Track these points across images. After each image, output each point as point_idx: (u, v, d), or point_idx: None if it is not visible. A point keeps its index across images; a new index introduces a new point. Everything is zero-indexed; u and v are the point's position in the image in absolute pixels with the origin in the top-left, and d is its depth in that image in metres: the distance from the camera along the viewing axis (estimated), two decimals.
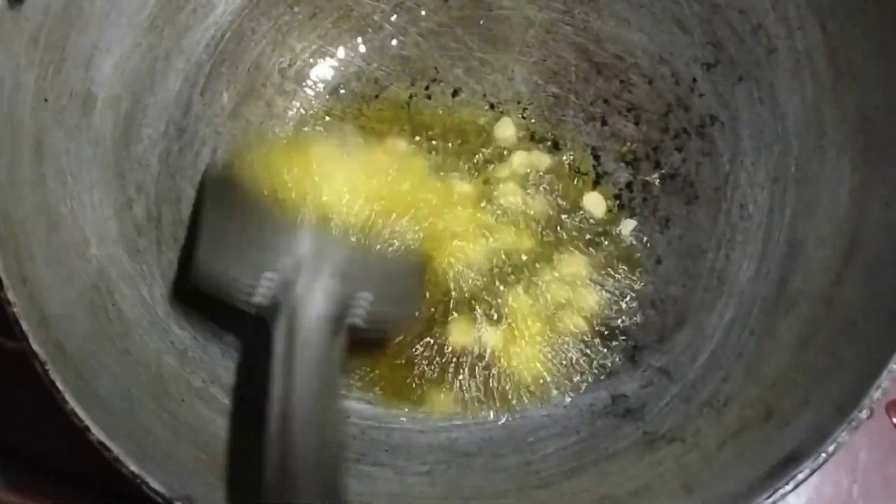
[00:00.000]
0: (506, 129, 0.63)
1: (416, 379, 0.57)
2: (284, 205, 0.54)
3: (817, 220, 0.53)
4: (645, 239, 0.60)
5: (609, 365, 0.57)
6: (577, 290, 0.59)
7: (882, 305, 0.47)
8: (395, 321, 0.57)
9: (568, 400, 0.56)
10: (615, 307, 0.59)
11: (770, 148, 0.56)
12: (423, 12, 0.64)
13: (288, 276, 0.52)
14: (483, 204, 0.61)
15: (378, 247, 0.55)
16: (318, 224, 0.54)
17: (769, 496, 0.43)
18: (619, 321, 0.58)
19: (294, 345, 0.49)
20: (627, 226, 0.61)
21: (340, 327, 0.52)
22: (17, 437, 0.59)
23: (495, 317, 0.59)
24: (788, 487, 0.43)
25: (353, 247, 0.54)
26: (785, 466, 0.44)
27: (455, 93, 0.64)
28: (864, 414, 0.44)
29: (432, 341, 0.58)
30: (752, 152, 0.57)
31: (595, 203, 0.61)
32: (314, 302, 0.51)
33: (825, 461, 0.43)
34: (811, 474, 0.43)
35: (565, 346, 0.58)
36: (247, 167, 0.55)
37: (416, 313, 0.58)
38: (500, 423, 0.56)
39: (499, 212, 0.61)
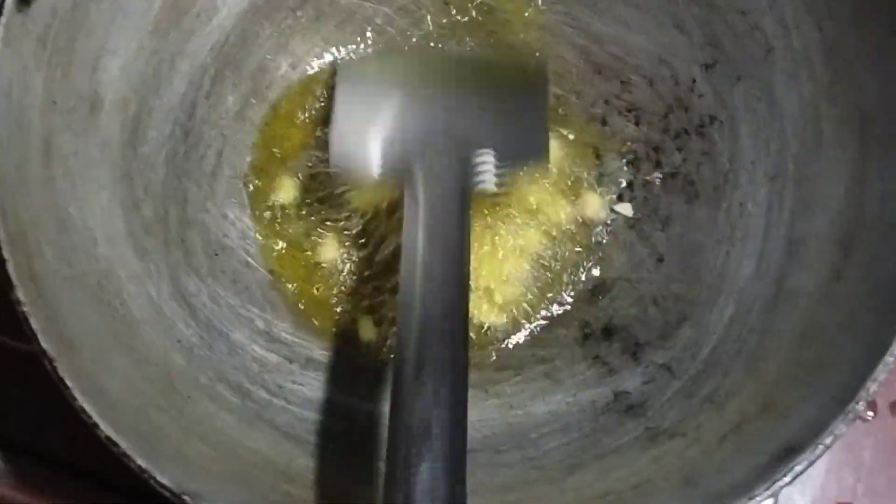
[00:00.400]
0: None
1: None
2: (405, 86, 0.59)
3: (816, 217, 0.53)
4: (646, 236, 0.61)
5: (611, 362, 0.58)
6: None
7: (880, 300, 0.48)
8: (524, 172, 0.59)
9: (570, 397, 0.57)
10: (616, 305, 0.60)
11: (768, 146, 0.57)
12: (425, 14, 0.64)
13: (415, 149, 0.55)
14: None
15: (493, 86, 0.59)
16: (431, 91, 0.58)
17: (768, 487, 0.43)
18: (621, 318, 0.59)
19: (432, 215, 0.51)
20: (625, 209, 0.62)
21: (468, 197, 0.54)
22: (26, 435, 0.60)
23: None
24: (787, 479, 0.43)
25: (468, 96, 0.59)
26: (783, 458, 0.44)
27: None
28: (861, 406, 0.44)
29: None
30: (751, 151, 0.58)
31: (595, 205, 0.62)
32: (442, 176, 0.54)
33: (822, 452, 0.44)
34: (808, 466, 0.44)
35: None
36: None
37: (546, 161, 0.59)
38: (502, 419, 0.56)
39: None
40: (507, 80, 0.61)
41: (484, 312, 0.60)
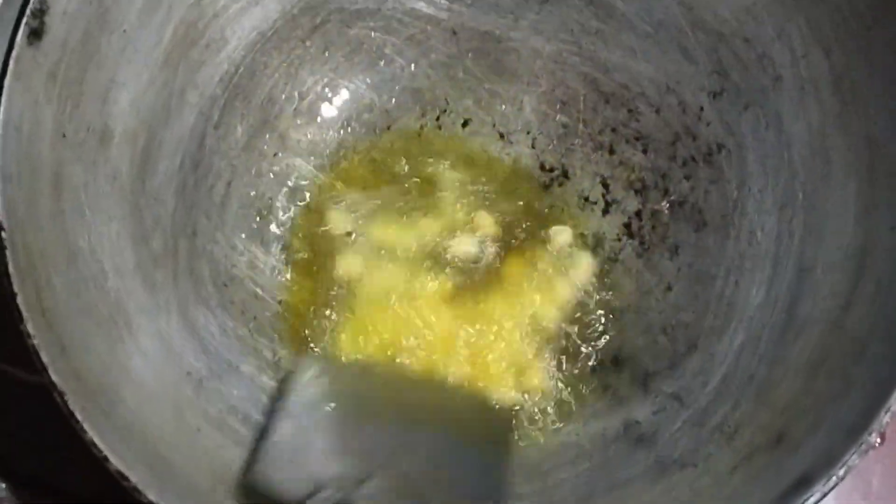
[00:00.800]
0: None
1: None
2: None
3: (825, 245, 0.53)
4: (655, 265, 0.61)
5: (621, 391, 0.58)
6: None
7: (891, 329, 0.47)
8: None
9: (581, 428, 0.57)
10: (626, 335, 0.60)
11: (777, 174, 0.57)
12: (433, 44, 0.65)
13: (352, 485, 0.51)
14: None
15: (450, 430, 0.55)
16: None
17: None
18: (630, 347, 0.59)
19: None
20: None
21: None
22: (38, 467, 0.59)
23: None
24: None
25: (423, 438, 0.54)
26: (796, 490, 0.44)
27: (465, 123, 0.65)
28: (873, 437, 0.44)
29: None
30: (760, 179, 0.58)
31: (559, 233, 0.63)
32: None
33: (836, 485, 0.44)
34: (822, 498, 0.43)
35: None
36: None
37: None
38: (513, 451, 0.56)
39: None
40: (468, 425, 0.57)
41: None
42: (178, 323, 0.54)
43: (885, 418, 0.44)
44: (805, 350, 0.51)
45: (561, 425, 0.57)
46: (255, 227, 0.61)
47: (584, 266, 0.62)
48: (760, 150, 0.58)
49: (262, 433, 0.53)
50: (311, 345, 0.59)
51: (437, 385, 0.58)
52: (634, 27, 0.62)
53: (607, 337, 0.60)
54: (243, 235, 0.60)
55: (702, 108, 0.61)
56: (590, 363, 0.60)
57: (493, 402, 0.58)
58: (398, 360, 0.58)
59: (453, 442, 0.54)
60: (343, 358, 0.59)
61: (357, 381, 0.57)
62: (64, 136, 0.50)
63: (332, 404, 0.54)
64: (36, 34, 0.48)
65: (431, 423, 0.55)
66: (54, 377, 0.43)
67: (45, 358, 0.43)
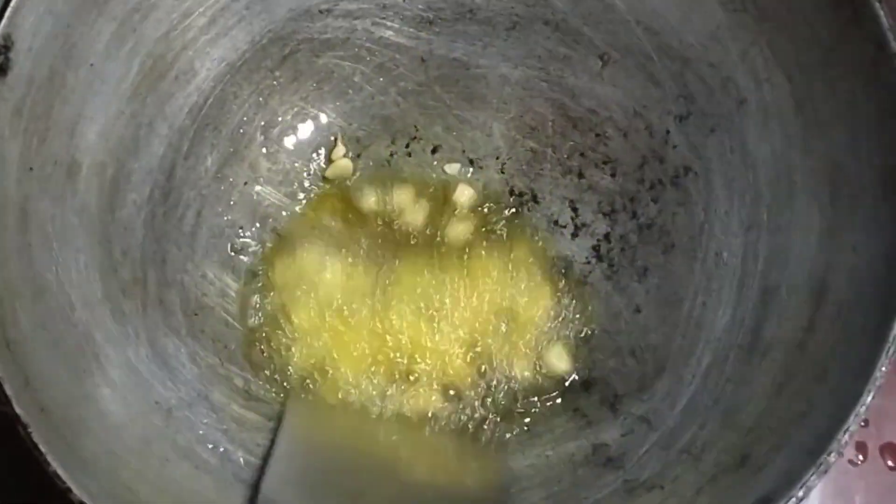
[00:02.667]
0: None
1: None
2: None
3: (789, 266, 0.54)
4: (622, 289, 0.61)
5: (590, 414, 0.58)
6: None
7: (851, 350, 0.48)
8: None
9: (550, 450, 0.57)
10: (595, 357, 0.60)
11: (742, 197, 0.57)
12: (402, 72, 0.65)
13: None
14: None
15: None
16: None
17: None
18: (599, 370, 0.59)
19: None
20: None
21: None
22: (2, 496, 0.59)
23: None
24: None
25: None
26: None
27: (434, 150, 0.66)
28: (832, 458, 0.44)
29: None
30: (725, 201, 0.58)
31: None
32: None
33: None
34: None
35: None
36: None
37: None
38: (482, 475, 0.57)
39: None
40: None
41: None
42: (148, 353, 0.54)
43: (843, 439, 0.44)
44: (770, 371, 0.52)
45: (530, 447, 0.57)
46: (226, 256, 0.62)
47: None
48: (726, 172, 0.58)
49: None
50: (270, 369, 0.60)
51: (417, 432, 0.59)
52: (601, 53, 0.62)
53: (576, 359, 0.61)
54: (214, 264, 0.61)
55: (668, 132, 0.61)
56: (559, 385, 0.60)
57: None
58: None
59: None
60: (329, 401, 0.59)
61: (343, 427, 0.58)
62: (31, 169, 0.50)
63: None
64: (1, 70, 0.48)
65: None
66: (17, 410, 0.43)
67: (8, 391, 0.43)
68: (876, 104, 0.50)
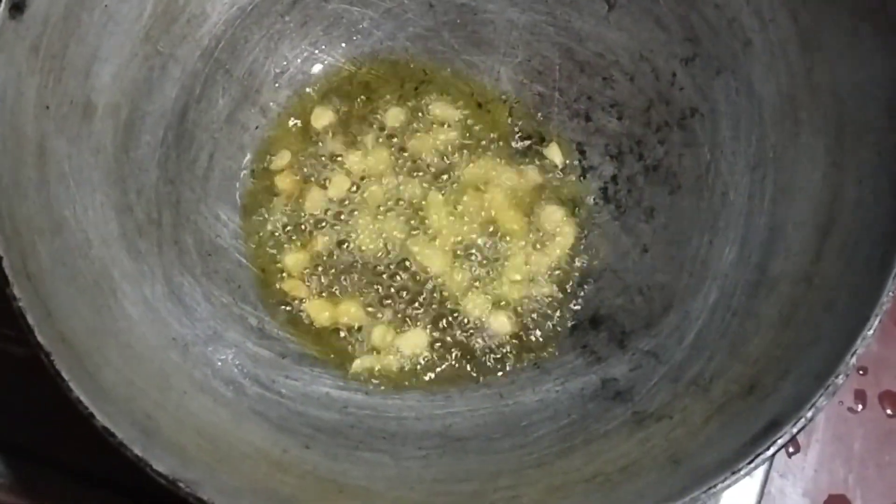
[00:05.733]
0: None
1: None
2: None
3: (795, 202, 0.54)
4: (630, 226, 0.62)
5: (599, 350, 0.59)
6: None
7: (858, 280, 0.48)
8: None
9: (559, 385, 0.58)
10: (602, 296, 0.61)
11: (748, 136, 0.57)
12: (410, 17, 0.65)
13: None
14: None
15: None
16: None
17: (751, 461, 0.44)
18: (607, 308, 0.60)
19: None
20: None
21: None
22: (27, 436, 0.60)
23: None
24: (769, 452, 0.44)
25: None
26: (765, 434, 0.45)
27: (443, 94, 0.66)
28: (840, 380, 0.45)
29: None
30: (732, 141, 0.58)
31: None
32: None
33: (804, 426, 0.44)
34: (791, 439, 0.44)
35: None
36: None
37: None
38: (493, 409, 0.57)
39: None
40: None
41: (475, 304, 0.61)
42: (163, 290, 0.55)
43: (851, 361, 0.45)
44: (777, 304, 0.52)
45: (539, 383, 0.58)
46: (238, 198, 0.62)
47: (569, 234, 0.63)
48: (733, 113, 0.59)
49: None
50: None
51: None
52: None
53: (585, 298, 0.61)
54: (227, 206, 0.61)
55: (674, 75, 0.61)
56: (568, 323, 0.61)
57: None
58: None
59: None
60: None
61: None
62: (47, 108, 0.51)
63: None
64: (18, 8, 0.49)
65: None
66: (40, 338, 0.44)
67: (30, 320, 0.44)
68: (880, 40, 0.50)
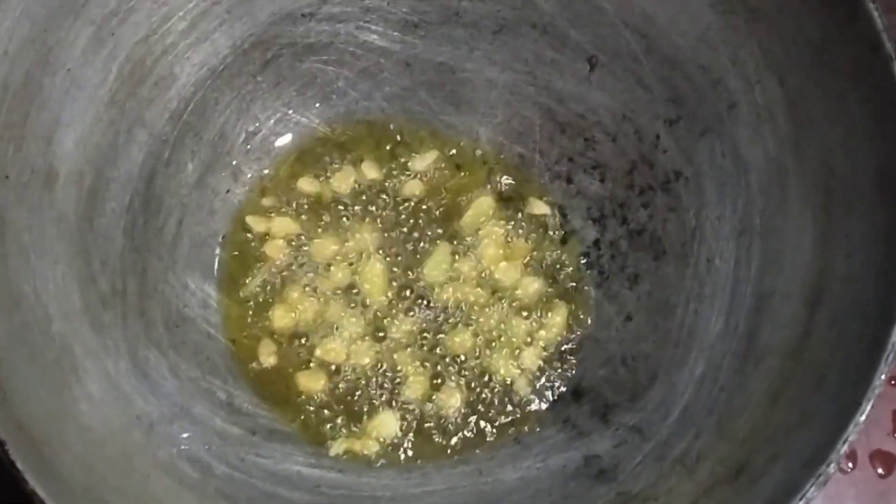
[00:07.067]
0: None
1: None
2: None
3: (783, 272, 0.53)
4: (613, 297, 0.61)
5: (581, 424, 0.57)
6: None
7: (848, 357, 0.47)
8: None
9: (540, 462, 0.56)
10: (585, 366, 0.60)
11: (734, 201, 0.57)
12: (387, 77, 0.65)
13: None
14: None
15: None
16: None
17: None
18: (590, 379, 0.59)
19: None
20: None
21: None
22: None
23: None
24: None
25: None
26: None
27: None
28: (832, 469, 0.43)
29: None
30: (717, 206, 0.57)
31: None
32: None
33: None
34: None
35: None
36: None
37: None
38: (472, 487, 0.56)
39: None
40: None
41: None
42: (128, 365, 0.54)
43: (843, 449, 0.44)
44: (765, 379, 0.51)
45: (520, 459, 0.57)
46: (208, 265, 0.61)
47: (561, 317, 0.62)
48: (718, 177, 0.58)
49: None
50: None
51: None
52: (589, 56, 0.61)
53: (567, 369, 0.60)
54: (196, 274, 0.60)
55: (658, 136, 0.61)
56: (549, 396, 0.59)
57: None
58: None
59: None
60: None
61: None
62: (7, 177, 0.49)
63: None
64: None
65: None
66: None
67: None
68: (870, 107, 0.49)
